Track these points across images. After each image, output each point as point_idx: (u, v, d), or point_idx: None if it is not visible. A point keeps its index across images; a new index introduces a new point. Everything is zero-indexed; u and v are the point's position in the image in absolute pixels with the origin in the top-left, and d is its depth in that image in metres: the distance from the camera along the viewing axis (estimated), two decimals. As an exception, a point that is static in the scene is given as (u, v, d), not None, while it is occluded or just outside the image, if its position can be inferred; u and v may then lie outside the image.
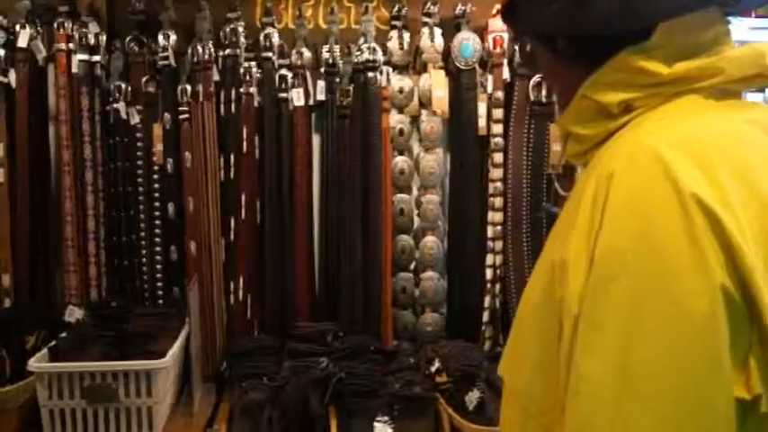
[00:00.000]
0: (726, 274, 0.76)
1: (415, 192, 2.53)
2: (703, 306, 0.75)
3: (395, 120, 2.47)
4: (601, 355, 0.79)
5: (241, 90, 2.41)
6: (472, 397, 2.19)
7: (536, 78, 2.43)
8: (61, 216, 2.41)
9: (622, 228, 0.80)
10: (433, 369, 2.30)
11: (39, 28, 2.43)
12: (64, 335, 2.19)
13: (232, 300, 2.45)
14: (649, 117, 0.90)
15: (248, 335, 2.44)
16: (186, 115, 2.41)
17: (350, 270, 2.43)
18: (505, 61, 2.43)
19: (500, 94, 2.45)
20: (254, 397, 2.17)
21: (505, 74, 2.44)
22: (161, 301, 2.47)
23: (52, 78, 2.46)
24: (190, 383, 2.25)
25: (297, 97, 2.42)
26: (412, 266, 2.53)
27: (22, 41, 2.39)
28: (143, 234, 2.45)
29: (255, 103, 2.43)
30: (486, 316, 2.49)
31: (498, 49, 2.42)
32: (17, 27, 2.39)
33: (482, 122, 2.47)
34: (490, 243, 2.49)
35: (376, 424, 2.13)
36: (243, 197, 2.43)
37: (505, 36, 2.42)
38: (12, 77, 2.41)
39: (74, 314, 2.37)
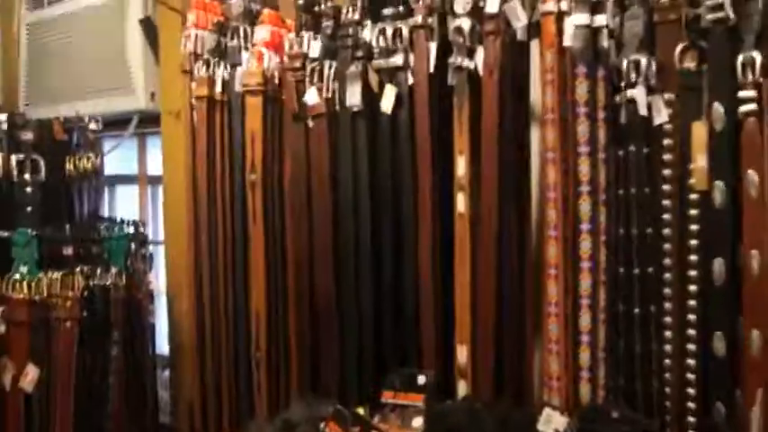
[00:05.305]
0: None
1: None
2: None
3: None
4: None
5: None
6: None
7: None
8: (543, 267, 1.59)
9: None
10: None
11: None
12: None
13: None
14: None
15: None
16: (753, 105, 1.36)
17: None
18: None
19: None
20: None
21: None
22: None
23: (535, 57, 1.65)
24: None
25: None
26: None
27: (492, 6, 1.62)
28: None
29: None
30: None
31: None
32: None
33: None
34: None
35: None
36: None
37: None
38: (478, 59, 1.65)
39: None
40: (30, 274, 2.32)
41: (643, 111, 1.49)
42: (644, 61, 1.50)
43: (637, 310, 1.52)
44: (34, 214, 2.47)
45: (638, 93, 1.50)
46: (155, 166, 2.92)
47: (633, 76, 1.50)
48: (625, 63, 1.52)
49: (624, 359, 1.54)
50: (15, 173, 2.45)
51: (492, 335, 1.65)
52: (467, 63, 1.70)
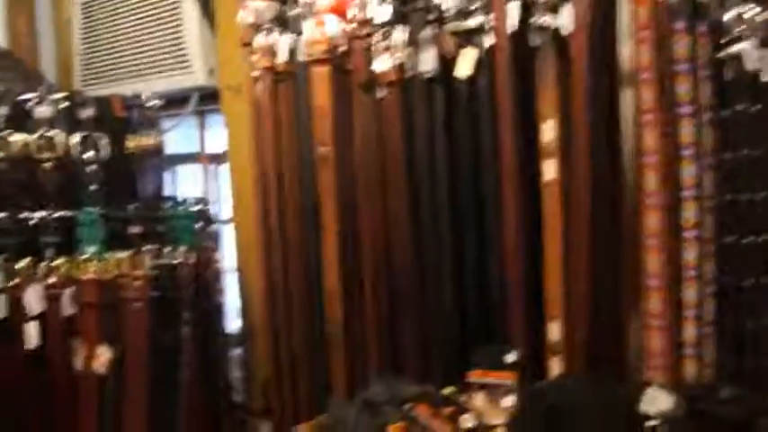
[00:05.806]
0: None
1: None
2: None
3: None
4: None
5: None
6: None
7: None
8: (641, 238, 1.49)
9: None
10: None
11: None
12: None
13: None
14: None
15: None
16: None
17: None
18: None
19: None
20: None
21: None
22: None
23: (625, 15, 1.54)
24: None
25: None
26: None
27: (582, -42, 1.51)
28: None
29: None
30: None
31: None
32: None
33: None
34: None
35: None
36: None
37: None
38: (564, 17, 1.54)
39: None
40: (97, 254, 2.29)
41: (751, 66, 1.38)
42: (750, 13, 1.39)
43: (747, 283, 1.42)
44: (98, 193, 2.43)
45: (745, 47, 1.38)
46: (214, 144, 2.88)
47: (738, 29, 1.39)
48: (729, 16, 1.41)
49: (733, 335, 1.44)
50: (78, 151, 2.40)
51: (586, 310, 1.57)
52: (550, 22, 1.61)
